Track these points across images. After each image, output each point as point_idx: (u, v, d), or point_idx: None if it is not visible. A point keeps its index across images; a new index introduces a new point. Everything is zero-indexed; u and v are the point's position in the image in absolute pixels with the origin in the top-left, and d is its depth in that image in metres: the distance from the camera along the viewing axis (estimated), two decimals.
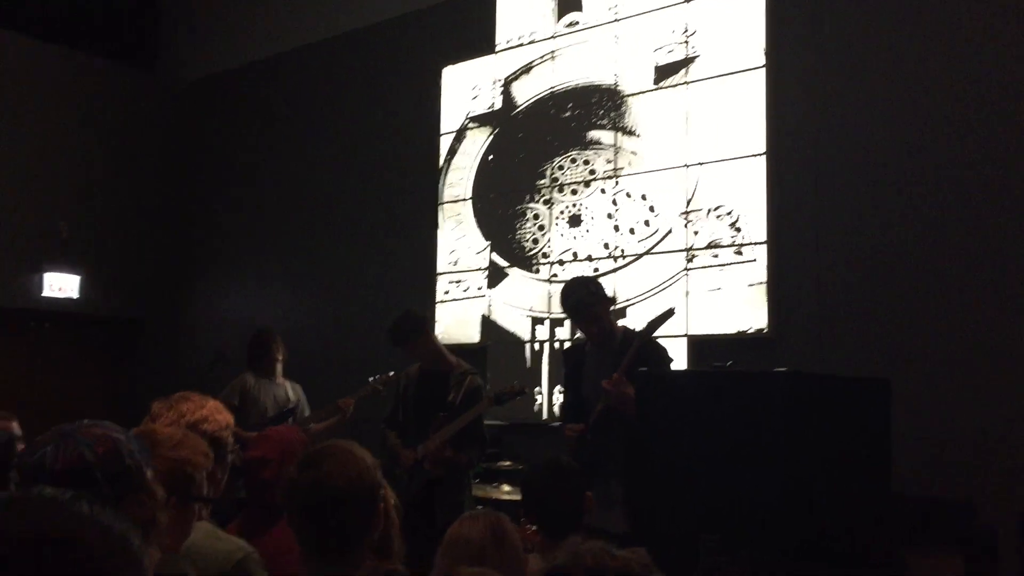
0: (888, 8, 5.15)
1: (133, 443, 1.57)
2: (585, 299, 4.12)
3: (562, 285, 4.45)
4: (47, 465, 1.47)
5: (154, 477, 1.60)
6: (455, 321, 6.79)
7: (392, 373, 5.17)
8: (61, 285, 8.55)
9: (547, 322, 6.34)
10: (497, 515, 2.34)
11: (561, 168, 6.44)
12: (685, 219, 5.72)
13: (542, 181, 6.52)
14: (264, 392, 5.31)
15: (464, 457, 4.53)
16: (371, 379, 5.25)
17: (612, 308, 5.10)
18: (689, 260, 5.66)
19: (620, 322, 5.16)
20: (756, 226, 5.41)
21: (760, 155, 5.44)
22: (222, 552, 2.18)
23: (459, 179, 7.04)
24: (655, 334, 4.05)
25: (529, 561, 2.67)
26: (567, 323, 6.20)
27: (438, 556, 2.27)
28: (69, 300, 8.61)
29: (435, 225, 7.09)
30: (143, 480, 1.56)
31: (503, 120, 6.84)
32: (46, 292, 8.45)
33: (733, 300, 5.43)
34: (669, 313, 4.06)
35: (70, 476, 1.43)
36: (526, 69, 6.73)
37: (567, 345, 5.96)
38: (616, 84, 6.21)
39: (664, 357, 4.11)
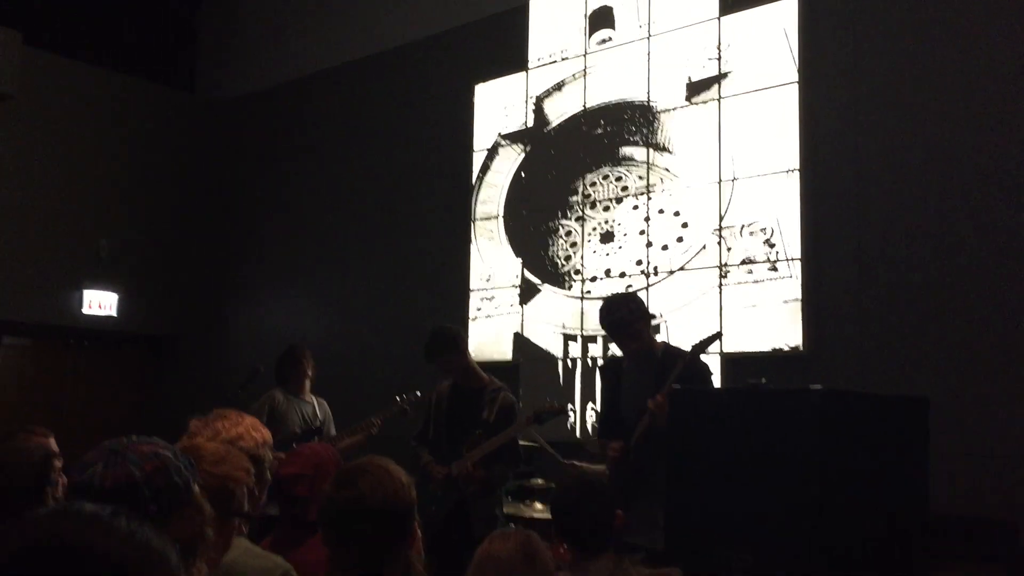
0: (921, 21, 5.11)
1: (181, 460, 1.59)
2: (626, 317, 4.11)
3: (601, 302, 4.43)
4: (96, 483, 1.49)
5: (201, 493, 1.62)
6: (487, 338, 6.79)
7: (419, 393, 5.17)
8: (100, 302, 8.68)
9: (579, 339, 6.33)
10: (527, 533, 2.33)
11: (593, 185, 6.44)
12: (718, 235, 5.70)
13: (574, 198, 6.53)
14: (292, 409, 5.29)
15: (496, 477, 4.52)
16: (398, 398, 5.25)
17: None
18: (723, 276, 5.63)
19: (659, 338, 5.14)
20: (791, 242, 5.37)
21: (794, 171, 5.40)
22: (261, 569, 2.19)
23: (491, 196, 7.07)
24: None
25: None
26: (600, 340, 6.18)
27: (469, 573, 2.27)
28: (108, 318, 8.74)
29: (468, 241, 7.11)
30: (191, 496, 1.58)
31: (535, 137, 6.86)
32: (85, 310, 8.59)
33: (768, 317, 5.39)
34: (716, 336, 4.07)
35: (118, 494, 1.44)
36: (558, 87, 6.75)
37: (601, 362, 5.95)
38: (648, 100, 6.21)
39: (707, 377, 4.10)
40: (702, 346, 3.97)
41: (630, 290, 6.00)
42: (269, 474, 2.35)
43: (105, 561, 0.95)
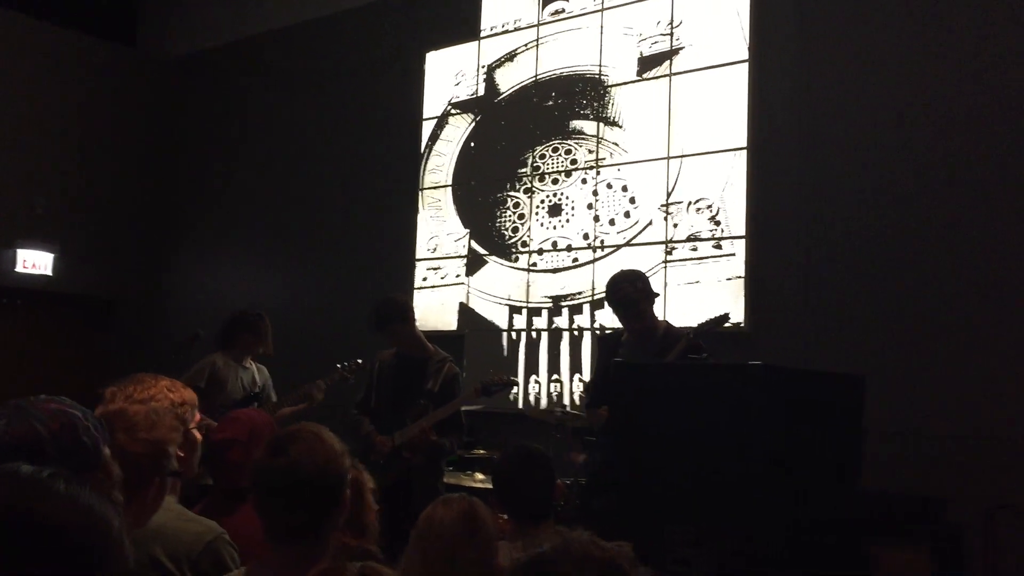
0: (870, 4, 5.16)
1: (91, 420, 1.53)
2: (631, 295, 4.15)
3: (609, 276, 4.43)
4: None
5: (111, 456, 1.57)
6: (433, 308, 6.76)
7: (360, 361, 5.12)
8: (35, 261, 8.45)
9: (524, 311, 6.33)
10: (471, 500, 2.33)
11: (543, 157, 6.42)
12: (665, 211, 5.72)
13: (523, 170, 6.50)
14: (232, 375, 5.17)
15: (446, 442, 4.52)
16: (339, 365, 5.19)
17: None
18: (668, 253, 5.66)
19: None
20: (736, 220, 5.41)
21: (742, 149, 5.44)
22: (192, 533, 2.16)
23: (440, 165, 7.01)
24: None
25: (500, 548, 2.66)
26: (544, 313, 6.19)
27: (412, 539, 2.26)
28: (43, 277, 8.51)
29: (415, 211, 7.05)
30: (100, 458, 1.53)
31: (486, 107, 6.81)
32: (19, 268, 8.35)
33: (711, 293, 5.44)
34: (724, 318, 4.11)
35: (21, 452, 1.36)
36: (510, 56, 6.69)
37: (596, 333, 5.95)
38: (600, 74, 6.19)
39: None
40: (707, 326, 4.04)
41: (576, 264, 6.02)
42: (197, 434, 2.31)
43: (46, 525, 0.91)
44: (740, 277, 5.35)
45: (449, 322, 6.68)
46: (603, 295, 5.79)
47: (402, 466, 4.46)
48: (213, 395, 4.99)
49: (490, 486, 4.92)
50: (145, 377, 2.38)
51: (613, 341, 4.46)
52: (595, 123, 6.18)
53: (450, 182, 6.93)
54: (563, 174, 6.29)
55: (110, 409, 2.00)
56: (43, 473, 0.97)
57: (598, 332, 5.79)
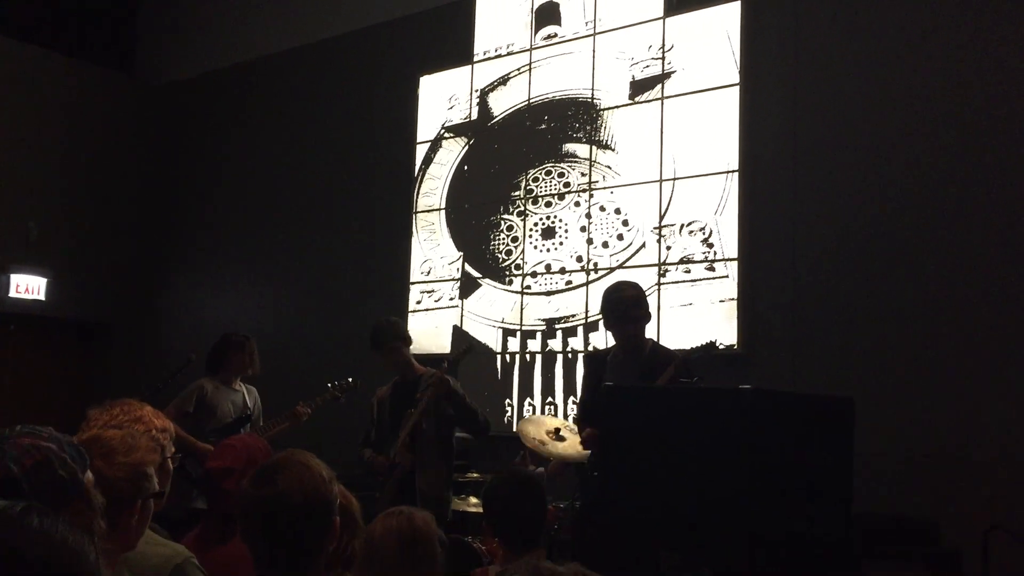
0: (861, 27, 5.21)
1: (67, 450, 1.50)
2: (629, 300, 4.17)
3: (605, 288, 4.45)
4: None
5: (92, 483, 1.55)
6: (427, 330, 6.76)
7: (351, 380, 5.14)
8: (28, 286, 8.44)
9: (518, 334, 6.34)
10: (412, 515, 2.29)
11: (536, 180, 6.45)
12: (658, 234, 5.74)
13: (516, 193, 6.53)
14: (223, 398, 5.16)
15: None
16: (330, 384, 5.19)
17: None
18: (662, 275, 5.68)
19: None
20: (729, 243, 5.44)
21: (733, 172, 5.47)
22: (160, 556, 2.13)
23: (433, 189, 7.03)
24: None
25: (488, 573, 2.66)
26: (539, 336, 6.19)
27: (359, 555, 2.25)
28: (36, 302, 8.49)
29: (409, 234, 7.07)
30: (80, 488, 1.50)
31: (479, 131, 6.84)
32: (12, 293, 8.34)
33: (704, 316, 5.45)
34: (712, 347, 4.14)
35: None
36: (503, 80, 6.74)
37: (579, 353, 5.96)
38: (592, 98, 6.23)
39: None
40: (696, 352, 4.06)
41: (569, 287, 6.03)
42: (171, 464, 2.29)
43: (19, 561, 0.92)
44: (732, 299, 5.37)
45: (443, 345, 6.68)
46: (597, 317, 5.82)
47: (400, 473, 4.53)
48: (203, 420, 4.99)
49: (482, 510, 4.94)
50: (129, 401, 2.37)
51: (599, 358, 4.46)
52: (588, 146, 6.21)
53: (444, 205, 6.95)
54: (556, 197, 6.32)
55: (83, 438, 1.98)
56: (16, 507, 0.97)
57: (585, 352, 5.79)
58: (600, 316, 5.83)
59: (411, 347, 4.90)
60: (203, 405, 5.06)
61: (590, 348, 5.89)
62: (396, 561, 2.16)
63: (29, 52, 8.62)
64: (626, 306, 4.19)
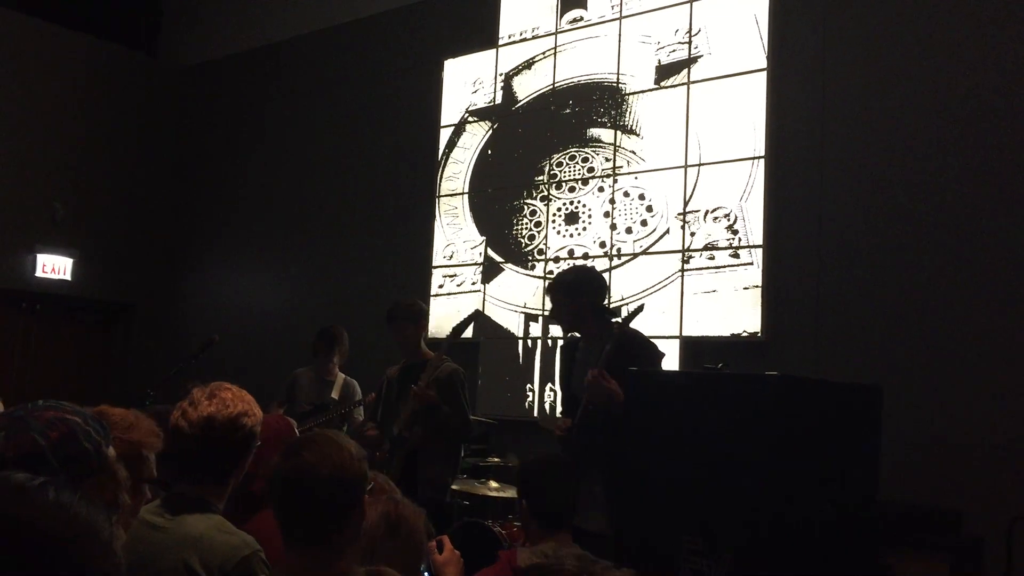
0: (889, 13, 5.14)
1: (91, 424, 1.52)
2: (570, 281, 4.12)
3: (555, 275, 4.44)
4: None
5: (115, 457, 1.57)
6: (449, 314, 6.76)
7: (374, 395, 5.22)
8: (54, 266, 8.52)
9: (540, 319, 6.33)
10: (395, 501, 2.29)
11: (560, 165, 6.42)
12: (682, 220, 5.71)
13: (540, 177, 6.51)
14: (311, 387, 5.42)
15: (442, 413, 4.55)
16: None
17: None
18: (685, 261, 5.65)
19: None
20: (754, 229, 5.39)
21: (760, 158, 5.42)
22: (229, 546, 2.15)
23: (457, 173, 7.02)
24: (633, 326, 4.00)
25: (518, 554, 2.67)
26: None
27: None
28: (62, 282, 8.58)
29: (432, 218, 7.07)
30: (104, 461, 1.52)
31: (503, 115, 6.82)
32: (38, 273, 8.43)
33: (728, 303, 5.42)
34: (639, 310, 3.97)
35: (23, 464, 1.35)
36: (528, 64, 6.71)
37: (561, 341, 5.94)
38: (617, 82, 6.19)
39: (647, 347, 3.96)
40: (627, 321, 3.92)
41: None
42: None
43: (34, 533, 0.93)
44: (757, 286, 5.33)
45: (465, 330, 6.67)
46: (619, 303, 5.81)
47: (404, 451, 4.59)
48: (290, 406, 5.33)
49: (503, 495, 4.95)
50: (232, 387, 2.38)
51: (571, 348, 4.36)
52: (612, 131, 6.17)
53: (467, 190, 6.94)
54: (580, 182, 6.29)
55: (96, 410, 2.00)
56: (34, 481, 0.98)
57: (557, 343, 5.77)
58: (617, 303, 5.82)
59: (426, 331, 4.97)
60: (291, 391, 5.45)
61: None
62: (383, 540, 2.15)
63: (54, 32, 8.67)
64: (549, 296, 4.18)
